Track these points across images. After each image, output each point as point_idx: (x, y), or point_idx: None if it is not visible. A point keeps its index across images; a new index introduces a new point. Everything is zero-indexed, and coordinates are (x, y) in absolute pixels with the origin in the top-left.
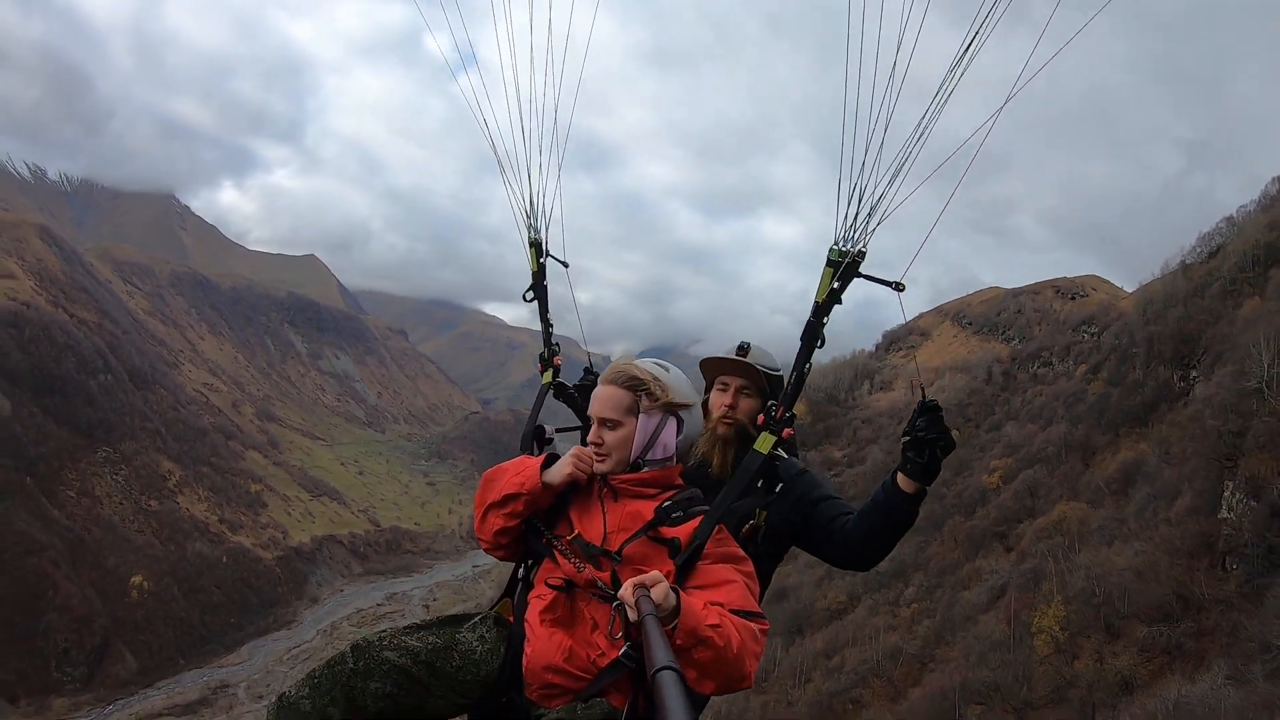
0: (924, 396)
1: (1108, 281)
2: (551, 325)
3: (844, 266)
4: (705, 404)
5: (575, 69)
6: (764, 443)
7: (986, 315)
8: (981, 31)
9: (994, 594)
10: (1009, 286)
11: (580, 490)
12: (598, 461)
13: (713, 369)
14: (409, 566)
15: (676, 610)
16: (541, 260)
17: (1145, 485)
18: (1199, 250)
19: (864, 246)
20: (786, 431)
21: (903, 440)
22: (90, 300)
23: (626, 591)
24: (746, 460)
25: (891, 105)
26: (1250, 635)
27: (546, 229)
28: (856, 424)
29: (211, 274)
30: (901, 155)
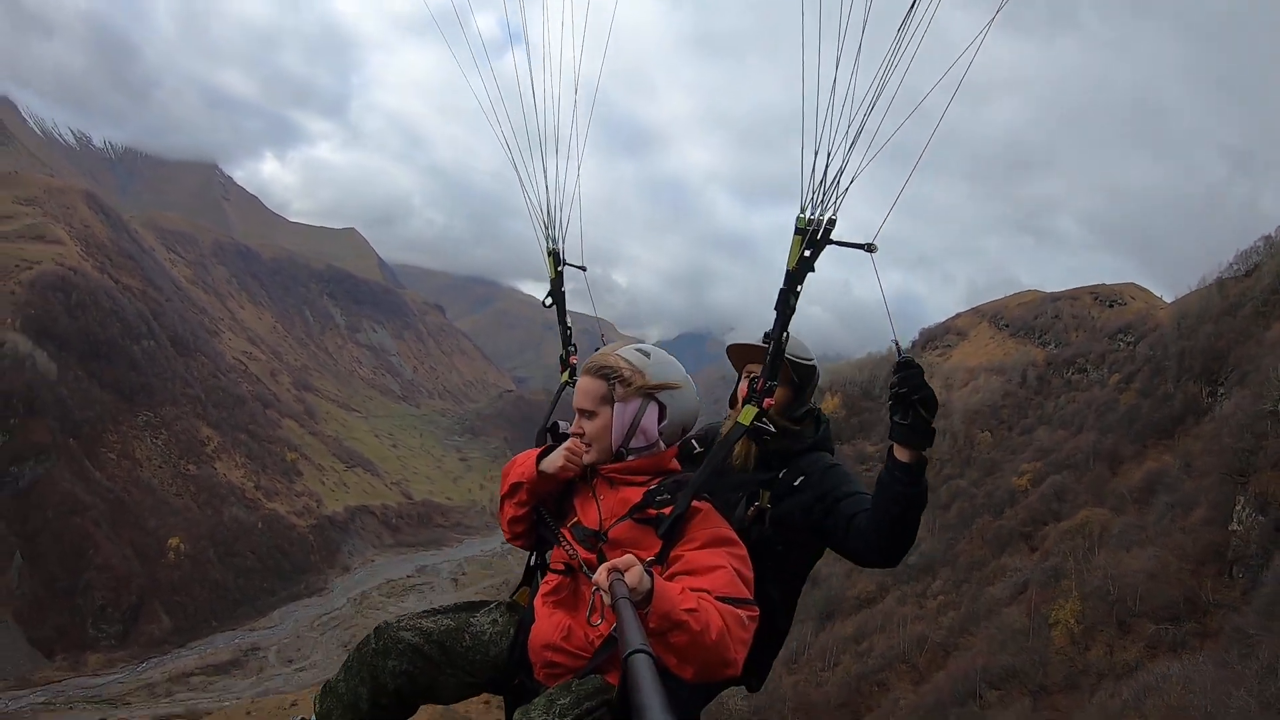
0: (899, 353)
1: (1146, 290)
2: (570, 328)
3: (811, 234)
4: (734, 392)
5: (592, 74)
6: (746, 415)
7: (1024, 318)
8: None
9: (1017, 589)
10: (1047, 290)
11: (581, 480)
12: (585, 452)
13: (740, 357)
14: (439, 540)
15: (651, 594)
16: (560, 268)
17: (1165, 495)
18: (1236, 267)
19: (834, 214)
20: (767, 402)
21: (886, 403)
22: (135, 267)
23: (601, 575)
24: (730, 432)
25: (852, 71)
26: (1236, 627)
27: (564, 239)
28: (890, 419)
29: (253, 244)
30: (861, 120)
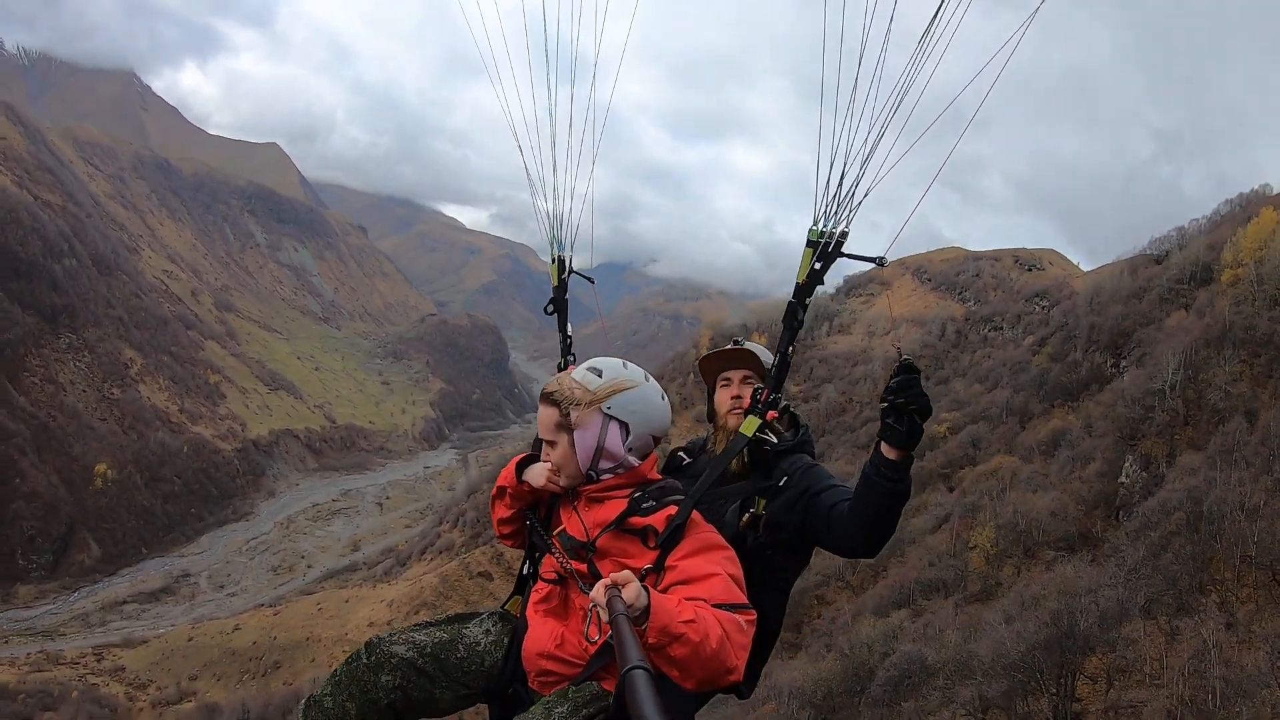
0: (900, 356)
1: (1064, 257)
2: (570, 338)
3: (822, 248)
4: (710, 406)
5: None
6: (749, 425)
7: (946, 274)
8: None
9: (939, 521)
10: (971, 248)
11: (567, 493)
12: (555, 477)
13: (712, 366)
14: (363, 464)
15: (648, 609)
16: (564, 276)
17: (1067, 450)
18: (1149, 251)
19: (846, 226)
20: (771, 414)
21: (881, 405)
22: (54, 181)
23: (598, 592)
24: (731, 443)
25: (871, 84)
26: (1112, 545)
27: (571, 247)
28: (814, 363)
29: (173, 158)
30: (878, 133)
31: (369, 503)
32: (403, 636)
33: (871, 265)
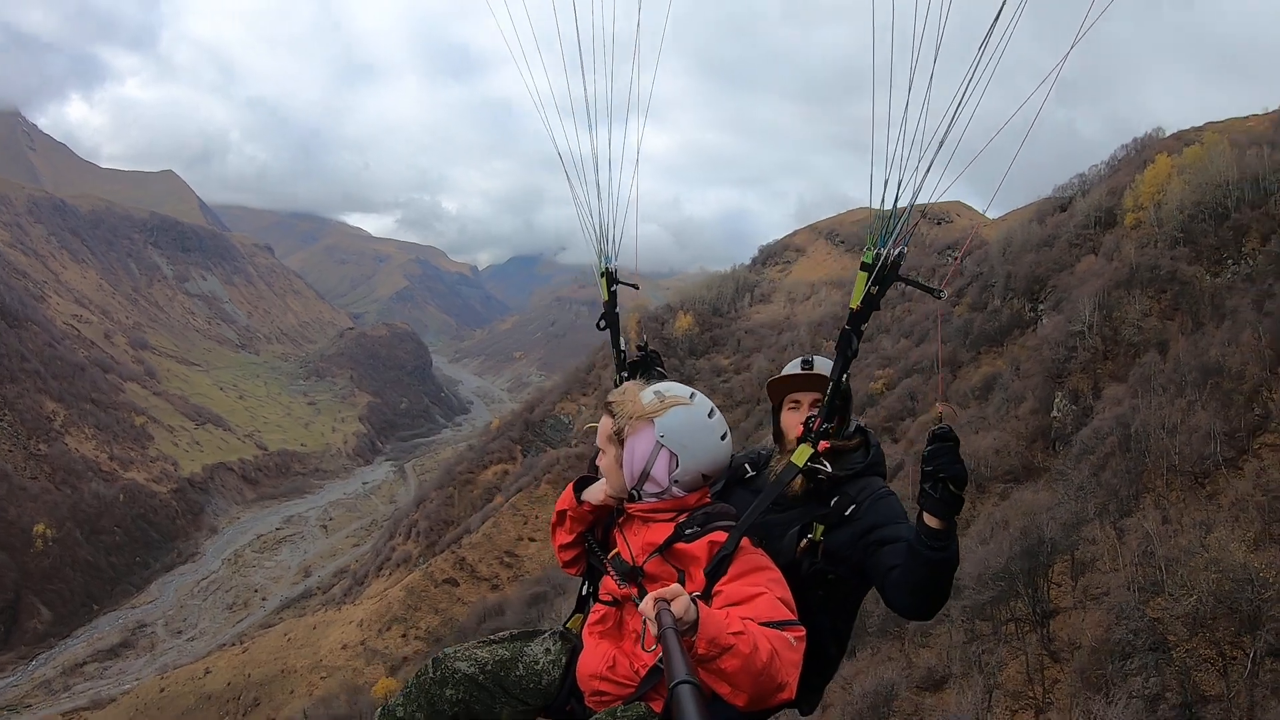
0: (939, 422)
1: (971, 208)
2: (624, 352)
3: (878, 270)
4: (776, 427)
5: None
6: (800, 455)
7: (858, 235)
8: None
9: (892, 472)
10: (879, 207)
11: (620, 515)
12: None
13: (779, 390)
14: (301, 488)
15: (697, 623)
16: (613, 289)
17: (1000, 392)
18: (1054, 197)
19: (903, 248)
20: (823, 445)
21: (922, 470)
22: None
23: (647, 605)
24: (781, 473)
25: (923, 105)
26: (1056, 470)
27: (616, 257)
28: (740, 334)
29: (68, 197)
30: (933, 154)
31: (313, 526)
32: (466, 653)
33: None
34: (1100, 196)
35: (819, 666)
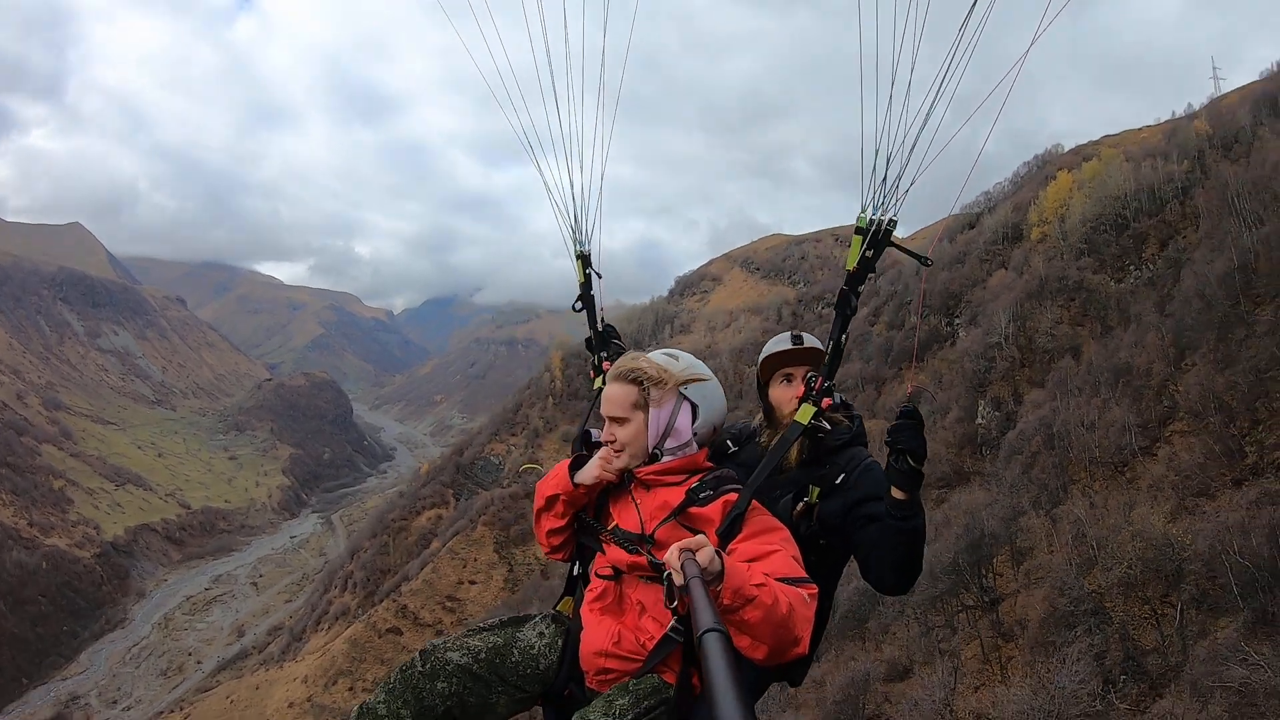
0: (908, 403)
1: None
2: (602, 333)
3: (871, 234)
4: (766, 403)
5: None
6: (804, 414)
7: (773, 261)
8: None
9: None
10: (790, 233)
11: (616, 486)
12: (616, 458)
13: (771, 365)
14: (227, 546)
15: (721, 573)
16: (589, 271)
17: (926, 405)
18: (961, 213)
19: (895, 214)
20: (826, 401)
21: (886, 443)
22: None
23: (672, 555)
24: (786, 431)
25: (911, 65)
26: (987, 474)
27: (589, 241)
28: None
29: None
30: (921, 124)
31: (243, 584)
32: (457, 643)
33: (881, 255)
34: (1006, 213)
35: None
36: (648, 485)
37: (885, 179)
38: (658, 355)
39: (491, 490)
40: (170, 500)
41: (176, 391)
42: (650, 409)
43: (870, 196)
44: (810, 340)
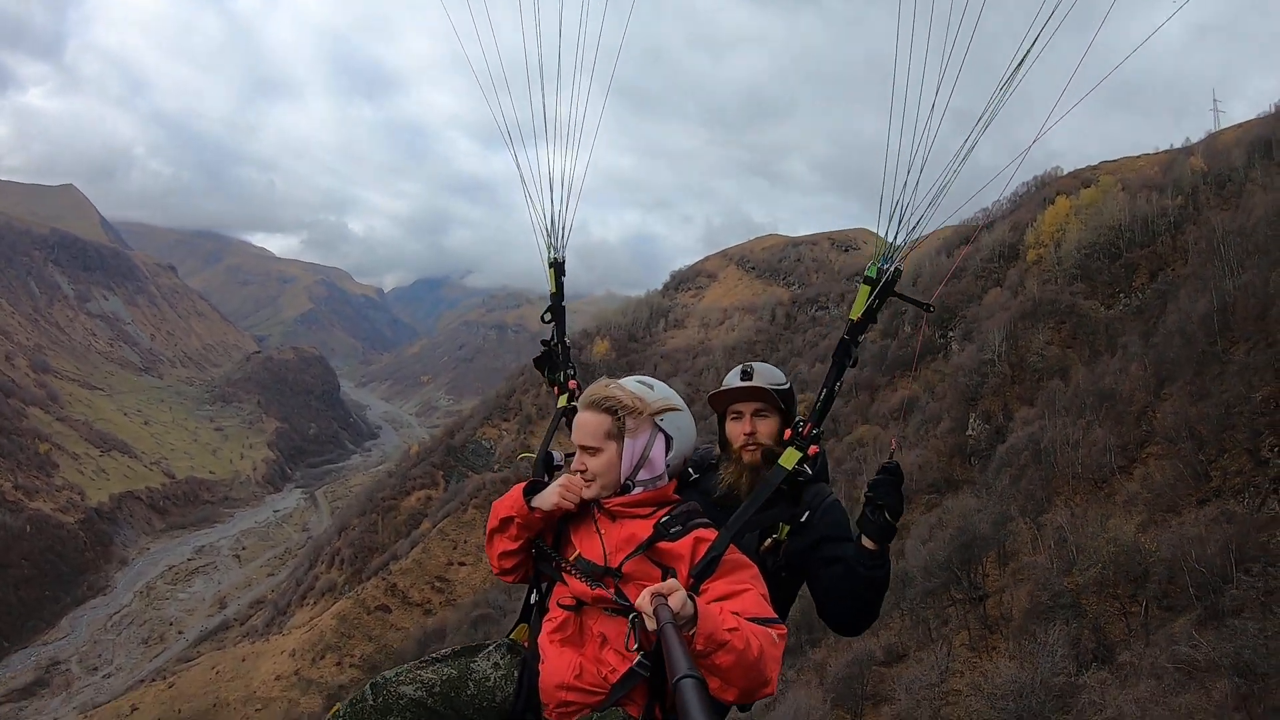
0: (890, 458)
1: (876, 235)
2: (570, 347)
3: (881, 285)
4: (722, 437)
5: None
6: (789, 458)
7: (769, 261)
8: (1030, 55)
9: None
10: (784, 232)
11: (579, 514)
12: (585, 487)
13: (721, 401)
14: (210, 517)
15: (694, 618)
16: (562, 279)
17: (919, 414)
18: (960, 232)
19: (900, 265)
20: (813, 449)
21: (866, 495)
22: None
23: (644, 600)
24: (770, 475)
25: (933, 134)
26: (977, 483)
27: (565, 248)
28: (656, 359)
29: None
30: (941, 181)
31: (226, 556)
32: (410, 675)
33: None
34: (1004, 232)
35: None
36: (614, 516)
37: (896, 234)
38: (630, 383)
39: (483, 474)
40: (155, 469)
41: (164, 360)
42: (625, 439)
43: (884, 249)
44: (760, 375)
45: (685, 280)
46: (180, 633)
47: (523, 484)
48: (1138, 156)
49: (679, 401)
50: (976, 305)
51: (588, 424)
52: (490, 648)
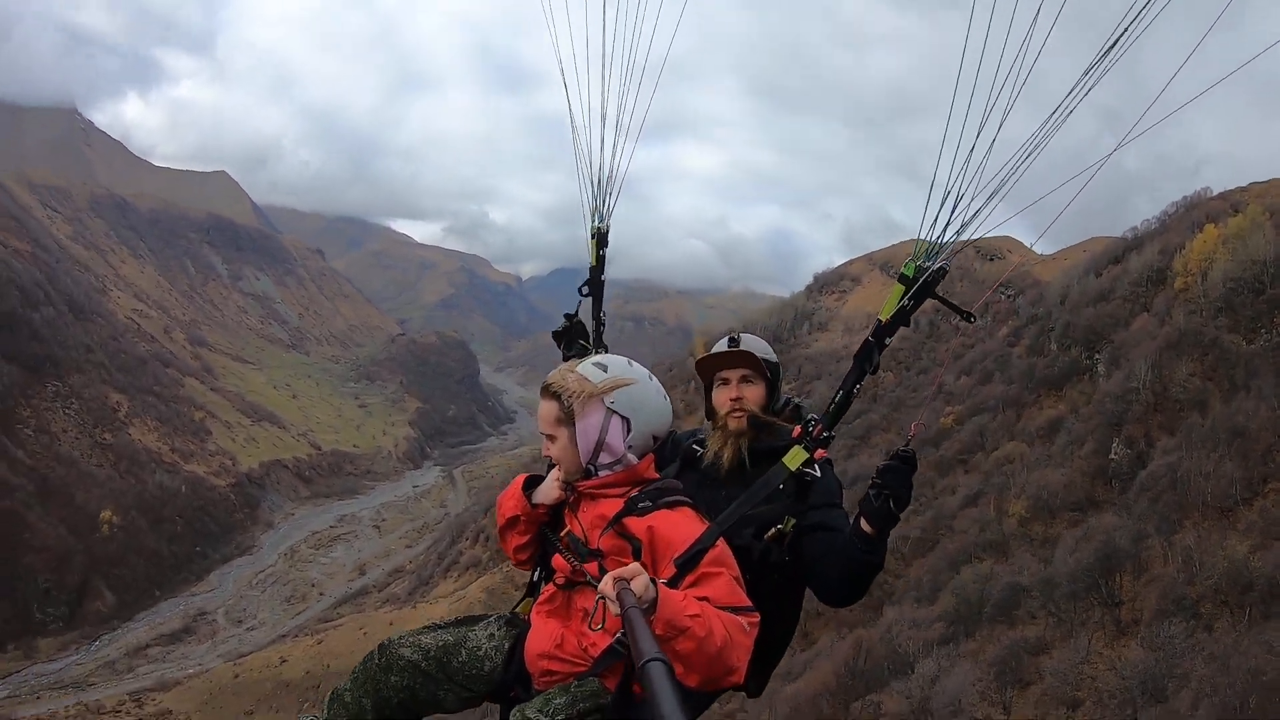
0: (906, 444)
1: (1020, 243)
2: (604, 325)
3: (920, 284)
4: (709, 404)
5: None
6: (793, 458)
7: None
8: (1121, 42)
9: (969, 500)
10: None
11: (573, 495)
12: (557, 472)
13: (708, 368)
14: (352, 489)
15: (656, 602)
16: (602, 252)
17: (1064, 435)
18: (1108, 252)
19: (946, 264)
20: (820, 453)
21: (873, 479)
22: (20, 228)
23: (607, 585)
24: (770, 473)
25: (1002, 117)
26: (1121, 504)
27: (609, 217)
28: (801, 361)
29: (127, 194)
30: (1006, 172)
31: (366, 526)
32: (410, 639)
33: (950, 305)
34: (1153, 255)
35: (770, 649)
36: (592, 497)
37: (945, 229)
38: (586, 365)
39: None
40: (302, 440)
41: (311, 338)
42: (576, 424)
43: (927, 244)
44: (748, 343)
45: (829, 283)
46: (321, 594)
47: (522, 478)
48: None
49: (636, 375)
50: (1124, 330)
51: (541, 411)
52: (491, 619)
